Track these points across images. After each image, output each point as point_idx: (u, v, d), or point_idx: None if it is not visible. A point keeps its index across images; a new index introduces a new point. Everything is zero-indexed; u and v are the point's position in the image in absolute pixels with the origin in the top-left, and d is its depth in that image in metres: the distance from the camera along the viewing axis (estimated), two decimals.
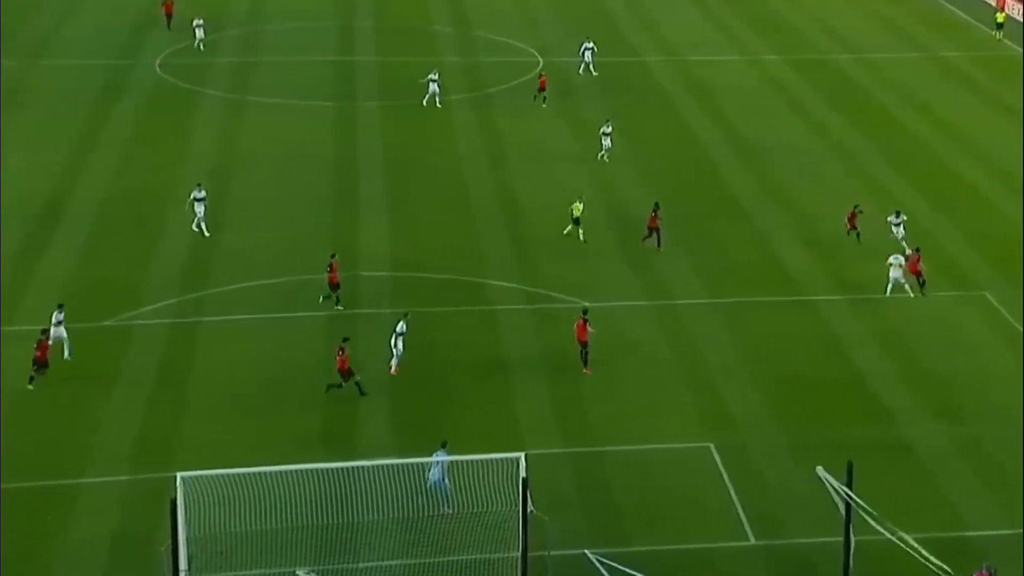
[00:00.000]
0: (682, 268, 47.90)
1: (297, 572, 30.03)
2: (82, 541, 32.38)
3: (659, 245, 48.85)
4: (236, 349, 42.04)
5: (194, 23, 73.90)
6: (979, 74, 72.98)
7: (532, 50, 75.61)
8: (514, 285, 46.86)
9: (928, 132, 63.77)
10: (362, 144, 60.92)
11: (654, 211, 49.28)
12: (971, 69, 73.86)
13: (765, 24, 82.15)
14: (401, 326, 40.50)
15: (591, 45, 71.46)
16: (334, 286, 44.22)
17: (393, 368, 40.18)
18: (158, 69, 70.86)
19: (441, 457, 32.63)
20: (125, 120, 63.06)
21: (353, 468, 31.20)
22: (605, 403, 39.30)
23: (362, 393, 38.68)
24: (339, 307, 43.88)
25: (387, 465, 31.36)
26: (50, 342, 39.80)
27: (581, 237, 49.72)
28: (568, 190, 55.88)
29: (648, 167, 58.07)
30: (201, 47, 73.41)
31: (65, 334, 40.61)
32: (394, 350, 40.30)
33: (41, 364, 39.05)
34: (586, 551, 31.18)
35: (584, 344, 40.59)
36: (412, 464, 31.91)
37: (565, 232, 50.03)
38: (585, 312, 41.43)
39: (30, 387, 39.03)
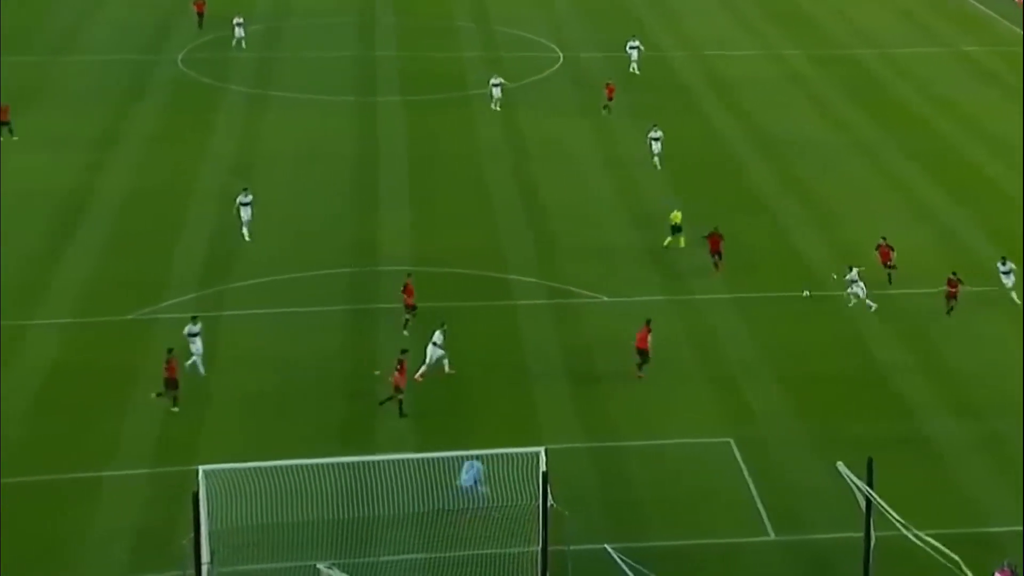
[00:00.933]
0: (702, 263, 47.80)
1: (318, 566, 30.08)
2: (106, 533, 32.59)
3: (717, 267, 47.00)
4: (256, 343, 42.16)
5: (234, 21, 74.01)
6: (1002, 69, 72.61)
7: (553, 45, 75.63)
8: (535, 280, 46.92)
9: (950, 127, 63.53)
10: (383, 140, 61.04)
11: (714, 234, 47.08)
12: (994, 64, 73.50)
13: (786, 19, 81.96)
14: (438, 336, 40.17)
15: (637, 43, 70.83)
16: (410, 308, 42.72)
17: (418, 374, 39.68)
18: (181, 64, 71.15)
19: (475, 464, 32.42)
20: (148, 116, 63.33)
21: (374, 462, 31.28)
22: (625, 398, 39.31)
23: (401, 414, 37.85)
24: (405, 332, 42.22)
25: (407, 459, 31.42)
26: (193, 357, 38.97)
27: (682, 244, 48.38)
28: (589, 185, 56.00)
29: (670, 162, 57.95)
30: (243, 44, 73.35)
31: (200, 348, 39.60)
32: (428, 359, 39.88)
33: (171, 383, 37.92)
34: (606, 546, 31.20)
35: (644, 352, 40.01)
36: (432, 458, 31.88)
37: (665, 244, 48.75)
38: (649, 322, 40.87)
39: (175, 409, 37.85)
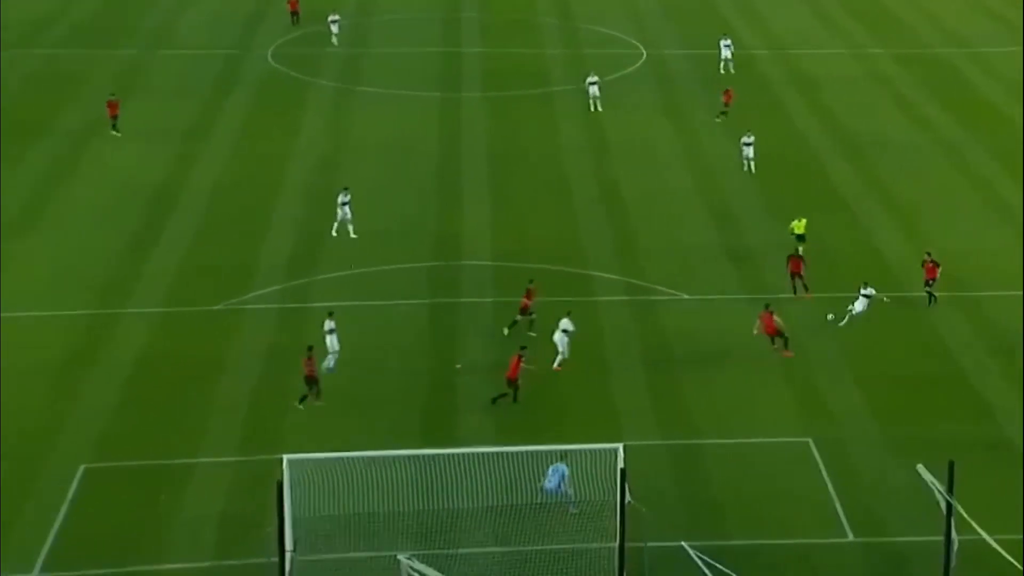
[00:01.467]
0: (782, 262, 47.66)
1: (398, 556, 30.48)
2: (193, 519, 33.35)
3: (807, 290, 45.16)
4: (340, 335, 42.74)
5: (329, 19, 74.73)
6: None
7: (636, 42, 75.71)
8: (614, 277, 47.15)
9: None
10: (466, 135, 61.57)
11: (794, 256, 45.58)
12: None
13: (871, 17, 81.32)
14: (566, 323, 40.61)
15: (729, 42, 70.13)
16: (525, 310, 42.72)
17: (556, 365, 40.27)
18: (270, 59, 72.22)
19: (561, 468, 32.64)
20: (238, 110, 64.38)
21: (454, 455, 31.71)
22: (704, 396, 39.46)
23: (514, 400, 38.32)
24: (507, 331, 42.22)
25: (487, 453, 31.80)
26: (329, 353, 39.21)
27: (800, 252, 47.29)
28: (670, 182, 56.10)
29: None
30: (335, 42, 74.03)
31: (337, 344, 39.87)
32: (559, 347, 40.42)
33: (311, 381, 38.21)
34: (683, 543, 31.37)
35: (777, 334, 40.85)
36: (511, 452, 32.22)
37: (799, 252, 47.34)
38: (767, 306, 41.50)
39: (300, 406, 37.96)
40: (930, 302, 44.56)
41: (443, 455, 31.75)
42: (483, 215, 52.51)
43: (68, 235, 50.17)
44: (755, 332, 41.47)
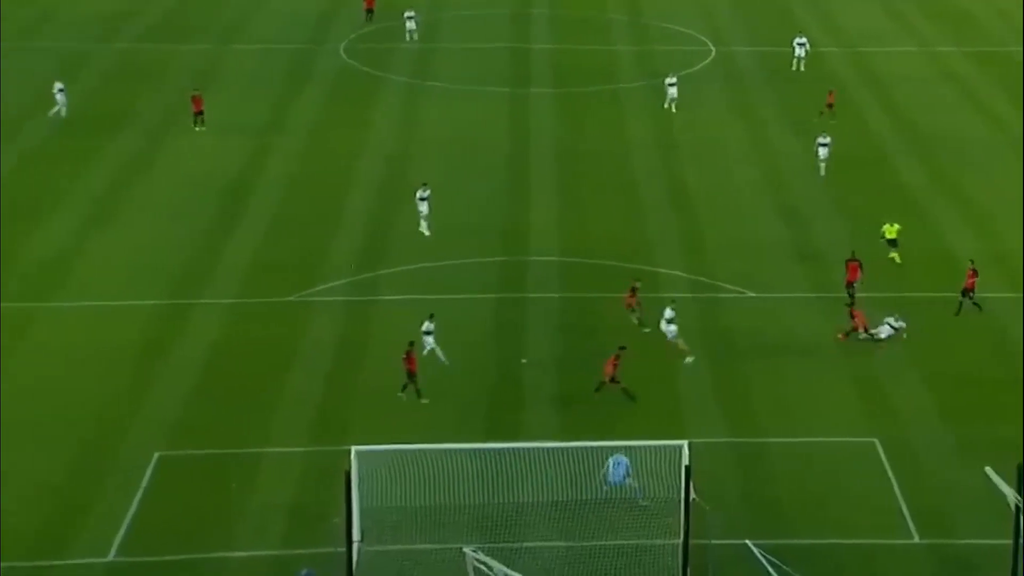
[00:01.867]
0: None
1: (463, 549, 30.82)
2: (262, 508, 33.89)
3: (852, 302, 43.84)
4: (408, 327, 43.11)
5: (405, 15, 75.17)
6: None
7: (705, 39, 75.59)
8: (680, 274, 47.25)
9: None
10: (535, 131, 61.85)
11: (852, 261, 44.69)
12: None
13: (943, 15, 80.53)
14: (669, 312, 41.22)
15: (804, 40, 69.69)
16: (630, 309, 42.94)
17: (681, 344, 41.09)
18: (343, 54, 72.92)
19: (623, 460, 32.90)
20: (310, 104, 65.09)
21: (519, 449, 32.02)
22: (769, 394, 39.49)
23: (631, 398, 38.48)
24: (645, 328, 42.57)
25: (552, 448, 32.07)
26: (423, 352, 39.61)
27: (897, 259, 47.25)
28: (738, 180, 56.04)
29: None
30: (413, 38, 74.27)
31: (432, 342, 40.10)
32: (669, 335, 41.11)
33: (412, 375, 38.63)
34: (748, 542, 31.47)
35: (866, 329, 41.42)
36: (576, 448, 32.43)
37: (891, 256, 47.38)
38: (849, 304, 42.21)
39: (423, 400, 38.49)
40: (959, 310, 43.89)
41: (508, 449, 32.04)
42: (551, 211, 52.79)
43: (145, 227, 51.10)
44: (861, 334, 41.61)
